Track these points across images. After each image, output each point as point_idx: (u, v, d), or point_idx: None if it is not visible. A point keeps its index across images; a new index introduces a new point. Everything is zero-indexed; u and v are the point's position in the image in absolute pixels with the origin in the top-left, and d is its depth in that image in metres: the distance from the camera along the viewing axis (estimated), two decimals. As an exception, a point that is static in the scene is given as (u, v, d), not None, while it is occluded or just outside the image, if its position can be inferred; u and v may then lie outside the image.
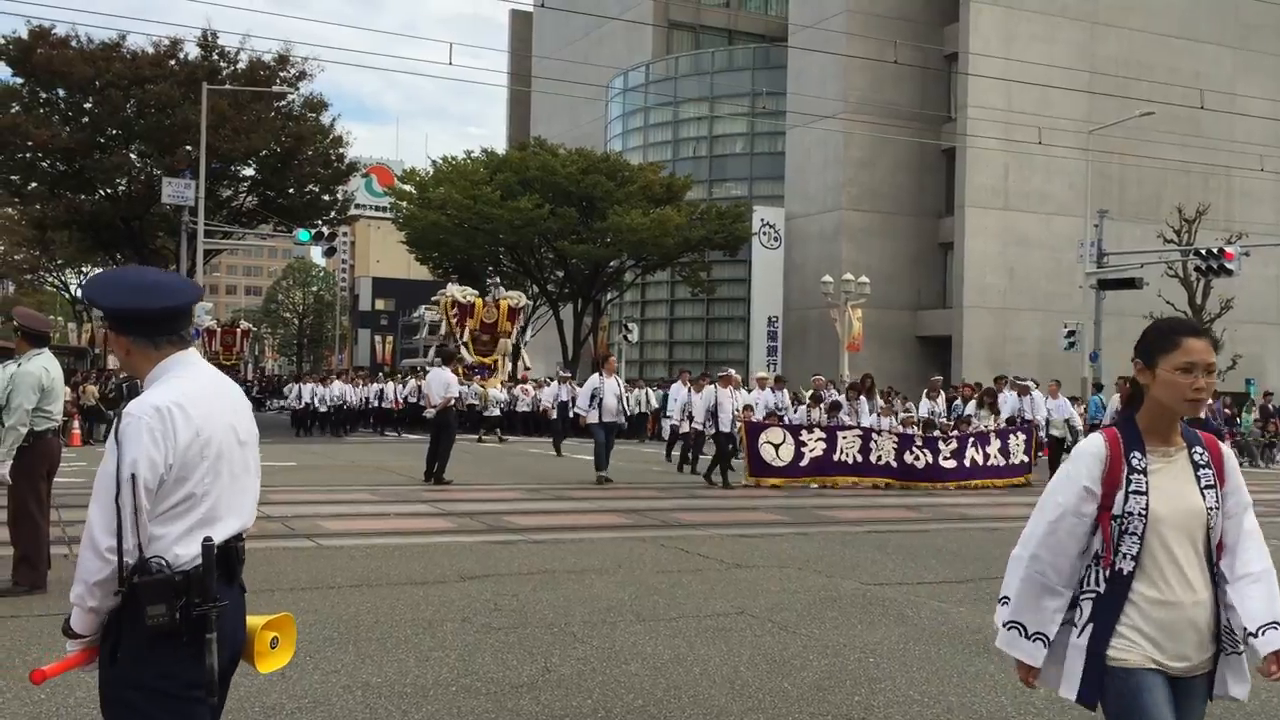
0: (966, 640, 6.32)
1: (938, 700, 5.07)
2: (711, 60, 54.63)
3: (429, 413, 16.65)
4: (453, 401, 16.32)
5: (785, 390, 20.78)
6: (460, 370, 34.99)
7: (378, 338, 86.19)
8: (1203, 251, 30.08)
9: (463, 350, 36.84)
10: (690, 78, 54.17)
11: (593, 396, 16.43)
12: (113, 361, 38.65)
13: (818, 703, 4.99)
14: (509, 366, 38.88)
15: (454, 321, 37.26)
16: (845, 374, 28.07)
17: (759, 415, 17.61)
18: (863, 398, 19.08)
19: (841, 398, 18.80)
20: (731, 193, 51.61)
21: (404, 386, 33.36)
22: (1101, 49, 44.35)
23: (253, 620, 2.72)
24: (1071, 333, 32.76)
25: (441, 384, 16.10)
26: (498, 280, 40.32)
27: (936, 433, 17.71)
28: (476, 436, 29.17)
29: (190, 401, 2.59)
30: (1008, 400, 19.30)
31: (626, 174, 45.30)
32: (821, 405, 18.03)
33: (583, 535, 10.61)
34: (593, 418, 16.48)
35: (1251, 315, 43.55)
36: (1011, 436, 17.91)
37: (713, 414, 16.69)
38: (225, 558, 2.60)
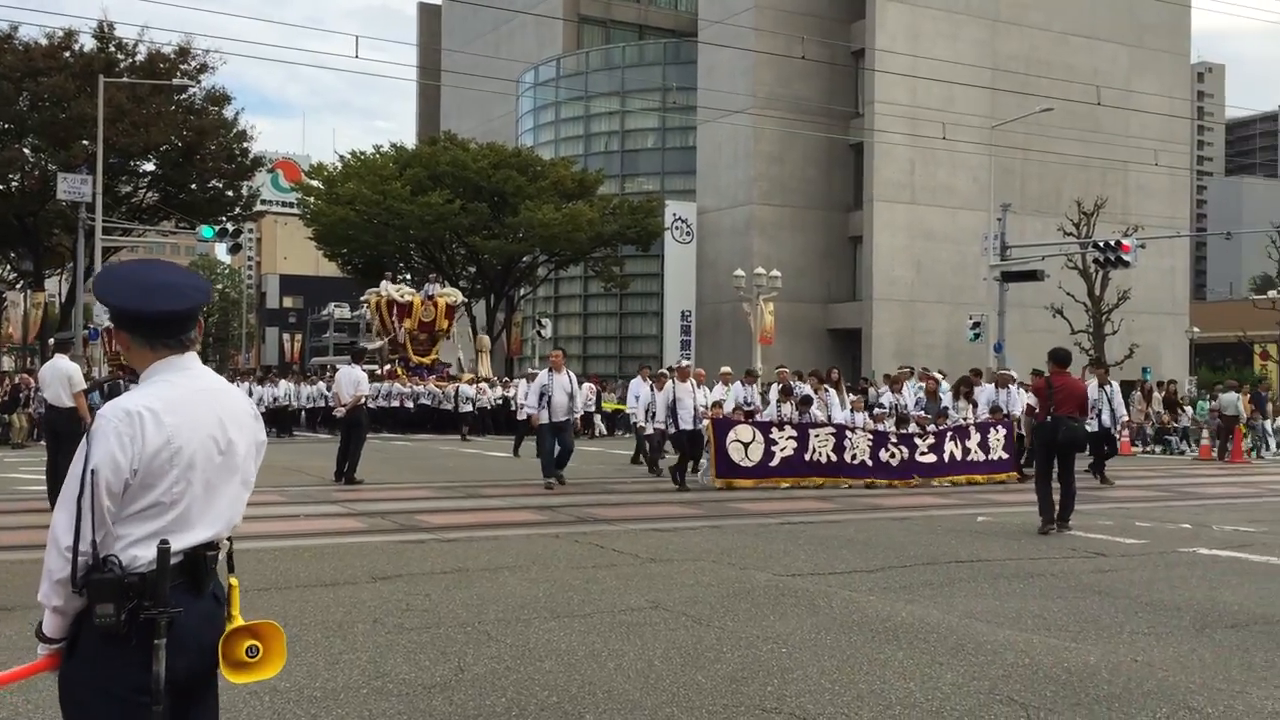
0: (876, 628, 6.42)
1: (848, 688, 5.14)
2: (622, 55, 54.67)
3: (339, 412, 16.23)
4: (363, 400, 16.05)
5: (756, 385, 19.26)
6: (401, 371, 34.62)
7: (286, 336, 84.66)
8: (1101, 244, 30.91)
9: (401, 349, 36.36)
10: (601, 72, 54.14)
11: (541, 395, 14.91)
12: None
13: (731, 694, 5.02)
14: (487, 364, 38.37)
15: (392, 321, 36.55)
16: (759, 367, 28.28)
17: (728, 411, 16.61)
18: (832, 391, 18.09)
19: (810, 391, 17.34)
20: (644, 187, 51.72)
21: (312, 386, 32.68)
22: (1003, 46, 45.36)
23: (230, 627, 2.63)
24: (976, 324, 33.46)
25: (351, 382, 15.83)
26: (434, 277, 39.74)
27: (913, 428, 16.95)
28: (460, 435, 28.83)
29: (166, 408, 2.56)
30: (984, 392, 18.60)
31: (538, 169, 45.17)
32: (793, 400, 16.76)
33: (497, 533, 10.55)
34: (543, 418, 14.94)
35: (1147, 306, 44.97)
36: (991, 430, 17.19)
37: (671, 410, 15.44)
38: (192, 566, 2.56)
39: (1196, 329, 50.35)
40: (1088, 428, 17.09)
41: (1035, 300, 38.32)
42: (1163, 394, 29.57)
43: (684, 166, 50.84)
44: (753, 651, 5.83)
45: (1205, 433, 25.37)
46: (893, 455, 15.95)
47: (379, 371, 34.07)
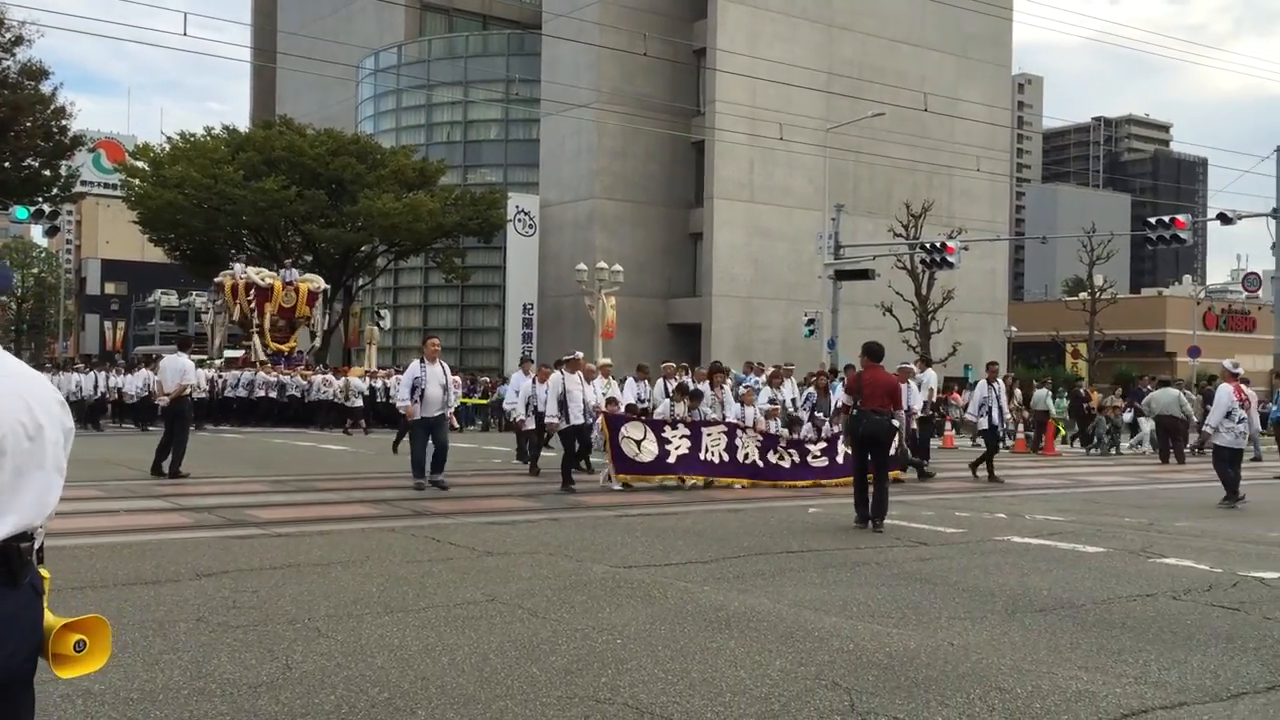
0: (710, 618, 6.54)
1: (681, 677, 5.22)
2: (466, 44, 54.09)
3: (162, 401, 15.52)
4: (188, 390, 15.44)
5: (648, 381, 18.36)
6: (258, 360, 33.32)
7: (108, 324, 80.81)
8: (927, 245, 32.16)
9: (255, 337, 35.02)
10: (444, 61, 53.47)
11: (414, 387, 13.76)
12: None
13: (566, 686, 5.04)
14: (370, 357, 37.10)
15: (249, 306, 35.06)
16: (599, 361, 28.39)
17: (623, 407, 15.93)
18: (726, 386, 17.11)
19: (704, 386, 16.17)
20: (486, 179, 51.34)
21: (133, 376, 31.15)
22: (838, 51, 46.68)
23: (52, 620, 2.52)
24: (811, 321, 34.39)
25: (177, 371, 15.20)
26: (292, 261, 38.39)
27: (806, 429, 16.30)
28: (344, 429, 27.89)
29: None
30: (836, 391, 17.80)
31: (378, 157, 44.34)
32: (686, 398, 15.72)
33: (329, 527, 10.31)
34: (416, 412, 13.80)
35: (970, 305, 47.00)
36: None
37: (561, 405, 14.60)
38: (4, 557, 2.43)
39: (1014, 328, 52.86)
40: (982, 426, 17.55)
41: (866, 298, 39.61)
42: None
43: (527, 159, 50.65)
44: (588, 643, 5.86)
45: (1021, 426, 26.62)
46: (782, 458, 15.39)
47: (241, 359, 32.92)
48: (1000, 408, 17.47)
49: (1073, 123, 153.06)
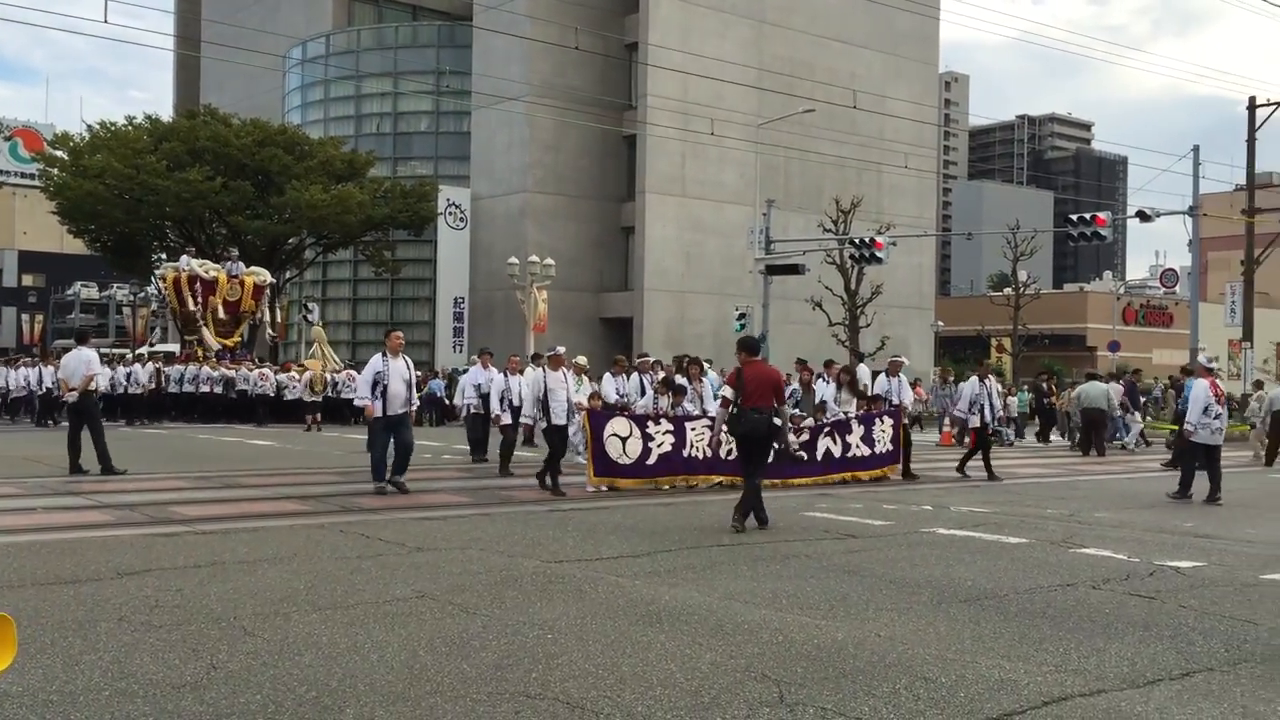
0: (641, 612, 6.56)
1: (612, 671, 5.23)
2: (395, 35, 53.50)
3: (70, 397, 15.01)
4: (94, 384, 14.95)
5: (624, 375, 17.36)
6: (200, 353, 32.57)
7: (25, 316, 78.74)
8: (856, 241, 32.49)
9: (203, 331, 34.27)
10: (373, 52, 52.84)
11: (375, 383, 12.78)
12: None
13: (496, 681, 5.03)
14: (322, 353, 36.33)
15: (195, 299, 34.22)
16: (530, 355, 28.30)
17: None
18: (705, 380, 16.50)
19: (684, 380, 15.57)
20: (417, 171, 50.84)
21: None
22: (768, 47, 46.96)
23: None
24: (742, 315, 34.60)
25: (81, 363, 14.70)
26: (236, 254, 37.55)
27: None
28: (305, 426, 27.36)
29: None
30: (877, 383, 17.59)
31: (306, 148, 43.72)
32: (670, 392, 15.10)
33: (257, 524, 10.17)
34: (377, 409, 12.78)
35: (898, 300, 47.61)
36: (877, 422, 16.04)
37: (542, 404, 13.71)
38: None
39: (941, 322, 53.65)
40: (974, 424, 16.97)
41: (797, 293, 39.93)
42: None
43: (458, 152, 50.27)
44: (519, 638, 5.86)
45: (947, 420, 26.99)
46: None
47: (185, 354, 32.23)
48: (992, 405, 17.13)
49: (998, 120, 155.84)
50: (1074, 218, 28.76)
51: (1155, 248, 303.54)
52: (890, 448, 16.10)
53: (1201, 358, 15.45)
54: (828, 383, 17.05)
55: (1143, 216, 29.30)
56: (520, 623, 6.22)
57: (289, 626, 6.03)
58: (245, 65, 47.84)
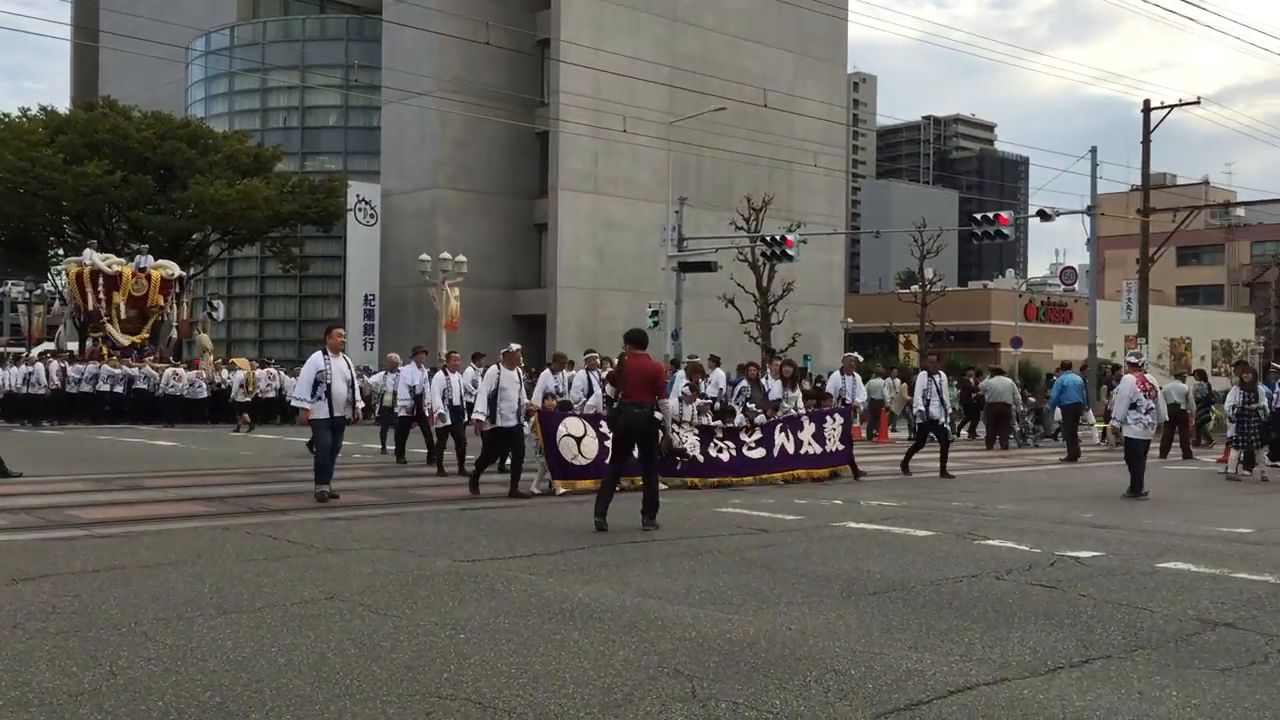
0: (554, 610, 6.54)
1: (524, 670, 5.21)
2: (302, 28, 52.58)
3: None
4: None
5: (565, 372, 16.35)
6: (105, 351, 31.45)
7: (-88, 314, 75.81)
8: (768, 238, 32.80)
9: (109, 328, 33.13)
10: (279, 44, 51.86)
11: (317, 383, 11.98)
12: None
13: (407, 683, 4.97)
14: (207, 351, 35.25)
15: (98, 294, 32.99)
16: (443, 352, 28.07)
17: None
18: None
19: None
20: (325, 166, 50.04)
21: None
22: (680, 45, 47.15)
23: None
24: (655, 312, 34.71)
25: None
26: (146, 247, 36.37)
27: (740, 420, 15.27)
28: (236, 426, 26.55)
29: None
30: (831, 380, 17.52)
31: (210, 142, 42.79)
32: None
33: (159, 527, 9.92)
34: (319, 411, 12.00)
35: (809, 297, 48.16)
36: (828, 420, 15.88)
37: (491, 403, 12.90)
38: None
39: (850, 319, 54.41)
40: (933, 418, 16.48)
41: (709, 290, 40.16)
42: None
43: (368, 147, 49.60)
44: (430, 639, 5.80)
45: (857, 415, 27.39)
46: (720, 451, 14.50)
47: (89, 352, 31.21)
48: (942, 400, 16.72)
49: (904, 121, 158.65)
50: (978, 217, 29.41)
51: (1055, 246, 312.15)
52: (841, 446, 15.91)
53: (1130, 354, 15.46)
54: (775, 379, 16.82)
55: (1043, 216, 30.06)
56: (432, 623, 6.16)
57: (192, 631, 5.89)
58: (146, 56, 46.58)
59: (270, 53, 51.40)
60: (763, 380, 16.79)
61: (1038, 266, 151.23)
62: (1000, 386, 24.29)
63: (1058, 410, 23.18)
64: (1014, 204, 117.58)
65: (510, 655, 5.48)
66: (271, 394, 29.11)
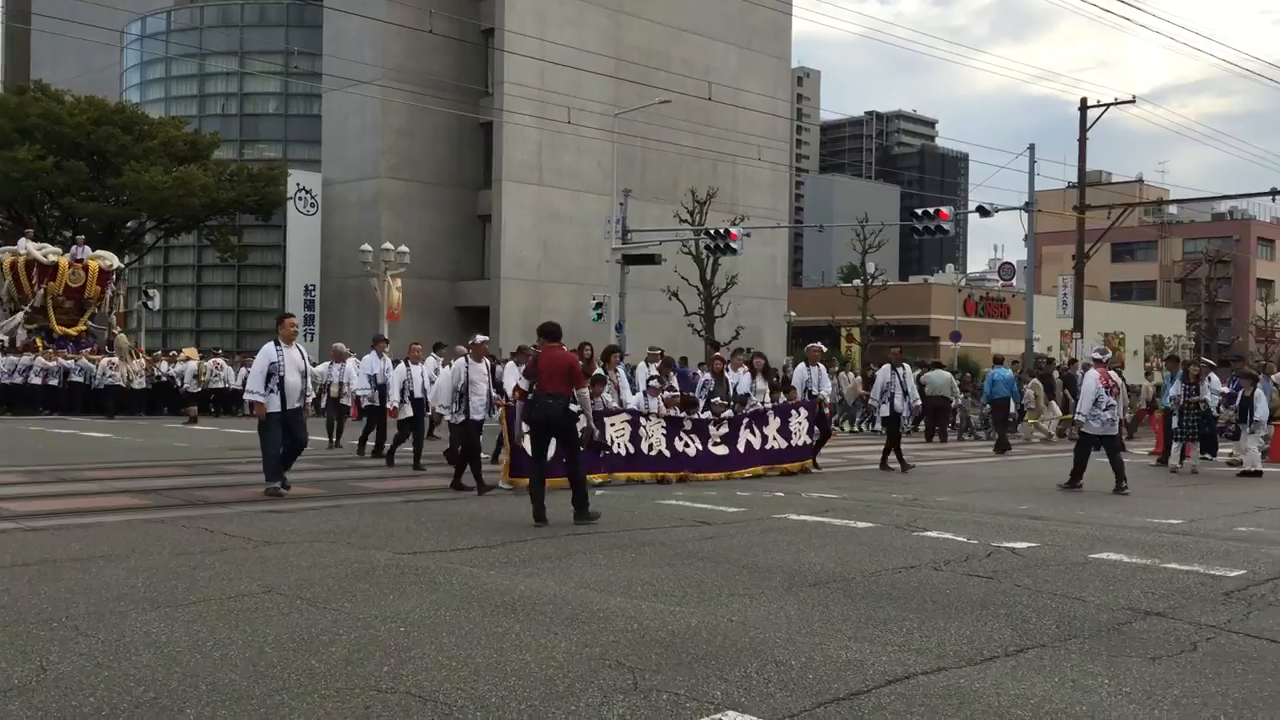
0: (495, 603, 6.52)
1: (466, 663, 5.18)
2: (241, 13, 51.77)
3: None
4: None
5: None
6: (40, 344, 30.64)
7: None
8: (712, 231, 32.88)
9: (46, 318, 32.34)
10: (217, 29, 51.05)
11: (269, 375, 11.54)
12: None
13: (346, 677, 4.92)
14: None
15: (31, 285, 32.17)
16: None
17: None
18: (622, 369, 15.38)
19: (600, 370, 14.43)
20: (265, 154, 49.38)
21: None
22: (625, 37, 47.07)
23: None
24: (599, 304, 34.67)
25: None
26: (82, 238, 35.50)
27: (705, 413, 14.83)
28: (188, 418, 25.94)
29: None
30: (796, 372, 17.19)
31: (145, 128, 42.04)
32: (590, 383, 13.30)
33: (91, 520, 9.73)
34: (272, 405, 11.55)
35: (752, 291, 48.39)
36: (793, 414, 15.57)
37: (460, 397, 12.58)
38: None
39: (793, 313, 54.78)
40: (884, 413, 16.52)
41: (653, 283, 40.20)
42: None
43: (309, 135, 48.99)
44: (370, 632, 5.75)
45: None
46: (687, 445, 14.19)
47: (24, 344, 30.45)
48: (907, 393, 16.54)
49: (848, 116, 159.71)
50: (919, 212, 29.70)
51: (994, 241, 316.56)
52: (806, 440, 15.65)
53: (1094, 351, 15.21)
54: (743, 372, 16.26)
55: (982, 212, 30.42)
56: (372, 616, 6.11)
57: (125, 625, 5.79)
58: (80, 40, 45.59)
59: (208, 38, 50.58)
60: (726, 374, 16.28)
61: (977, 262, 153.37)
62: (939, 380, 24.60)
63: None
64: (954, 200, 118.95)
65: (451, 648, 5.45)
66: (219, 384, 28.82)
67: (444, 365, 16.67)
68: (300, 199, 45.25)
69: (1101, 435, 14.00)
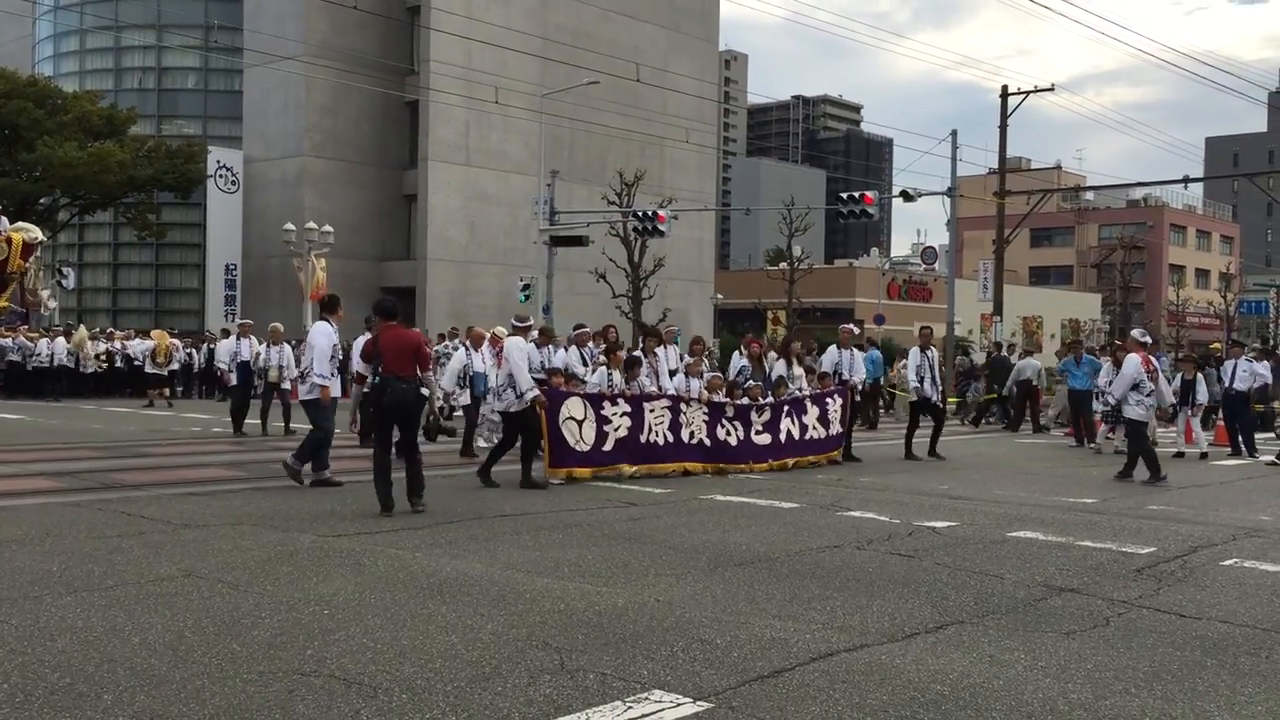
0: (421, 584, 6.49)
1: (391, 645, 5.16)
2: (159, -15, 50.44)
3: None
4: None
5: (550, 347, 14.57)
6: None
7: None
8: (639, 213, 32.86)
9: None
10: (134, 2, 49.66)
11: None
12: None
13: (269, 660, 4.87)
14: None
15: None
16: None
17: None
18: (662, 349, 14.38)
19: (639, 352, 13.73)
20: (184, 130, 48.27)
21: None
22: (553, 17, 46.77)
23: None
24: (527, 286, 34.52)
25: None
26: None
27: (745, 399, 13.95)
28: (149, 401, 25.02)
29: None
30: (827, 356, 16.25)
31: (59, 101, 40.85)
32: (625, 367, 12.99)
33: (5, 503, 9.47)
34: (337, 388, 11.63)
35: (679, 273, 48.52)
36: (829, 401, 14.81)
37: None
38: None
39: (720, 295, 55.06)
40: (915, 397, 15.69)
41: (581, 264, 40.10)
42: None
43: (229, 111, 47.98)
44: (293, 615, 5.69)
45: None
46: (729, 433, 13.39)
47: None
48: (935, 376, 15.76)
49: (775, 100, 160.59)
50: (844, 196, 29.97)
51: (918, 226, 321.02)
52: (839, 429, 14.93)
53: (1136, 332, 14.84)
54: (777, 357, 15.47)
55: (906, 196, 30.79)
56: (295, 599, 6.04)
57: (40, 610, 5.66)
58: (-11, 9, 44.20)
59: (124, 10, 49.20)
60: (764, 360, 15.39)
61: (900, 246, 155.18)
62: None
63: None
64: (879, 184, 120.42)
65: (376, 630, 5.42)
66: (176, 365, 28.21)
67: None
68: (221, 177, 44.35)
69: (1144, 421, 13.46)
